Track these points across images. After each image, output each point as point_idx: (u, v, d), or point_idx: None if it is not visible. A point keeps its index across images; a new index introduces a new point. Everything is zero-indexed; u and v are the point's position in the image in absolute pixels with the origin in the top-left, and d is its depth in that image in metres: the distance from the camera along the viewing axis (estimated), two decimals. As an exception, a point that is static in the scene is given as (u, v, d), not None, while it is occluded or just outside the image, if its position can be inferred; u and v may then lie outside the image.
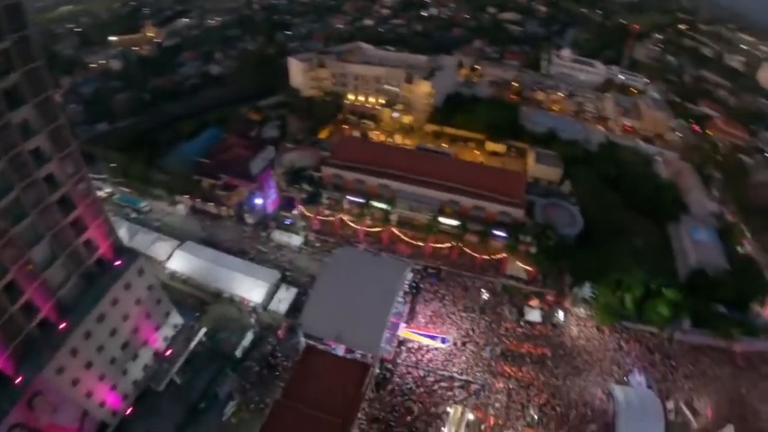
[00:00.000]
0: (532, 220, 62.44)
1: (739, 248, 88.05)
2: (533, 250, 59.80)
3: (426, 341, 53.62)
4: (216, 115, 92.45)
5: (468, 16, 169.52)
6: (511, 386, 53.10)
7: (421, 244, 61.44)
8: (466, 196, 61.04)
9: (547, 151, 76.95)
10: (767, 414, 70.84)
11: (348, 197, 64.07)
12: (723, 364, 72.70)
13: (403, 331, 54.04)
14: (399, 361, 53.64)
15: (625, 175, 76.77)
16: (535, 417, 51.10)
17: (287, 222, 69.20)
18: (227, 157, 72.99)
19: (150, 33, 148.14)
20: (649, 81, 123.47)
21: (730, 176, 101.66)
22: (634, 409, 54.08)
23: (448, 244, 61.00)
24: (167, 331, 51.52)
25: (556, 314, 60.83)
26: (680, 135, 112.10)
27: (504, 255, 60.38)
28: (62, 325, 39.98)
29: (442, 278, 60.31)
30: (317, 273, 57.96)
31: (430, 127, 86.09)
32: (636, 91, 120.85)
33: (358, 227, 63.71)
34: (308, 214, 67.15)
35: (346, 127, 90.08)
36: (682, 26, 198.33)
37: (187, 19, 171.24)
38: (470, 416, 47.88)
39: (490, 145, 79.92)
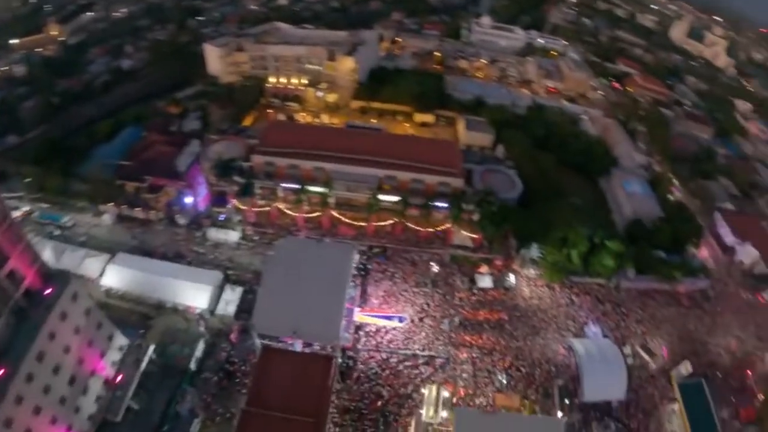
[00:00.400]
0: (471, 188, 64.35)
1: (669, 196, 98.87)
2: (476, 217, 62.78)
3: (383, 323, 54.36)
4: (133, 112, 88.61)
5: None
6: (474, 355, 55.23)
7: (363, 224, 62.39)
8: (404, 171, 61.82)
9: (477, 117, 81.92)
10: (715, 345, 78.80)
11: (282, 185, 63.69)
12: (669, 306, 79.96)
13: (359, 316, 54.14)
14: (359, 347, 54.04)
15: (554, 135, 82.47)
16: (504, 381, 53.95)
17: (221, 218, 67.66)
18: (150, 156, 70.14)
19: (53, 31, 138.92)
20: (567, 43, 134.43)
21: (653, 129, 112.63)
22: (595, 359, 58.25)
23: (391, 221, 62.07)
24: (114, 356, 49.34)
25: (506, 278, 63.92)
26: (602, 93, 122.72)
27: (448, 225, 62.83)
28: (0, 373, 36.89)
29: (389, 256, 61.48)
30: (262, 268, 57.50)
31: (357, 104, 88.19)
32: (556, 54, 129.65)
33: (297, 215, 63.78)
34: (242, 207, 66.02)
35: (271, 111, 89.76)
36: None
37: (92, 13, 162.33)
38: (445, 393, 48.86)
39: (419, 117, 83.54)
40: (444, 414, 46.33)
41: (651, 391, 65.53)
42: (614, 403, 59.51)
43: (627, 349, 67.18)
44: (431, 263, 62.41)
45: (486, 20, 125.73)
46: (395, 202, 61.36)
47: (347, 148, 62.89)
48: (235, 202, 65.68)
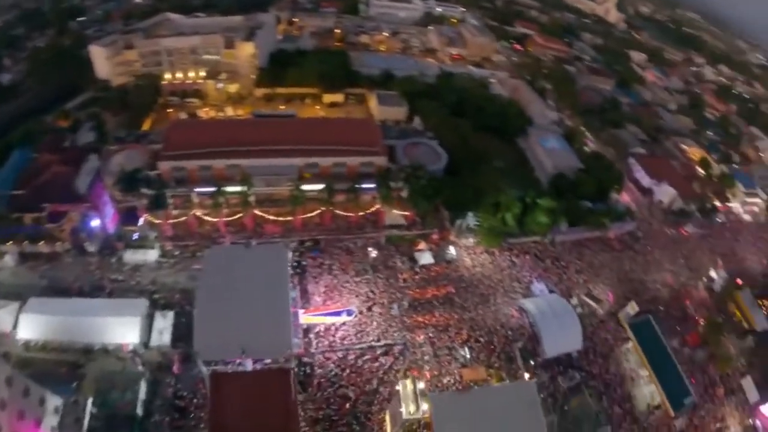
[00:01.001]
0: (396, 164, 65.62)
1: (585, 148, 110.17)
2: (405, 194, 65.46)
3: (331, 320, 53.65)
4: (19, 133, 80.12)
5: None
6: (431, 335, 56.33)
7: (289, 218, 62.04)
8: (324, 156, 61.51)
9: (388, 91, 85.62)
10: (652, 282, 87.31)
11: (196, 190, 60.90)
12: (604, 252, 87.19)
13: (305, 318, 52.84)
14: (312, 350, 53.11)
15: (468, 101, 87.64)
16: (467, 355, 55.90)
17: (135, 237, 64.01)
18: (44, 180, 64.13)
19: None
20: (465, 9, 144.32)
21: (559, 85, 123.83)
22: (547, 315, 61.99)
23: (318, 211, 62.41)
24: (51, 421, 45.19)
25: (446, 251, 65.93)
26: (505, 56, 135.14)
27: (378, 206, 64.55)
28: None
29: (323, 249, 60.79)
30: (191, 286, 55.80)
31: (261, 91, 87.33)
32: (456, 21, 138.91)
33: (217, 220, 61.70)
34: (156, 221, 62.76)
35: (171, 110, 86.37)
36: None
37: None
38: (420, 384, 49.26)
39: (328, 97, 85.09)
40: (425, 406, 46.95)
41: (604, 336, 71.65)
42: (574, 354, 63.78)
43: (574, 300, 72.84)
44: (368, 248, 62.92)
45: None
46: (320, 191, 61.29)
47: (260, 140, 61.61)
48: (147, 217, 62.59)
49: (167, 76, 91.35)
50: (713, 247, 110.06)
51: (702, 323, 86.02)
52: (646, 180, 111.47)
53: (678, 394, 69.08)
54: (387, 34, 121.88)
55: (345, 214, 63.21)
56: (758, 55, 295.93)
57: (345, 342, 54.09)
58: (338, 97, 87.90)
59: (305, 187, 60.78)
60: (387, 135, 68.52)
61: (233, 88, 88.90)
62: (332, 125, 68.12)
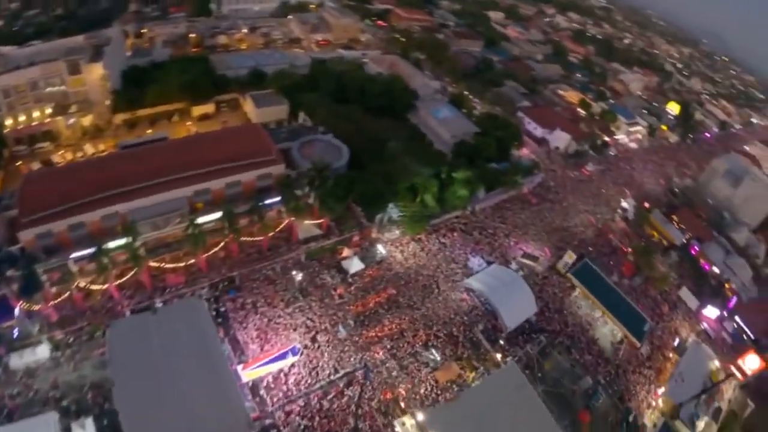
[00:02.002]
0: (295, 169, 61.19)
1: (475, 111, 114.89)
2: (312, 201, 61.33)
3: (277, 366, 47.88)
4: None
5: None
6: (388, 346, 53.43)
7: (191, 262, 54.38)
8: (213, 178, 55.49)
9: (262, 91, 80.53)
10: (575, 226, 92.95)
11: (72, 256, 51.00)
12: (523, 209, 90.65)
13: (247, 374, 47.01)
14: (269, 409, 47.10)
15: (347, 86, 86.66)
16: (434, 356, 53.86)
17: (16, 335, 51.69)
18: None
19: None
20: None
21: (433, 54, 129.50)
22: (496, 288, 62.65)
23: (222, 244, 55.91)
24: None
25: (374, 251, 63.40)
26: (372, 34, 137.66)
27: (287, 221, 59.73)
28: None
29: (239, 286, 53.24)
30: (103, 377, 46.92)
31: (121, 117, 77.05)
32: (315, 7, 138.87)
33: (107, 286, 52.35)
34: (35, 307, 51.50)
35: (20, 163, 72.42)
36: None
37: None
38: (420, 416, 47.09)
39: (197, 110, 77.07)
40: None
41: (551, 291, 74.12)
42: (532, 318, 65.22)
43: (513, 265, 74.78)
44: (290, 272, 56.29)
45: None
46: (218, 220, 54.36)
47: (134, 176, 52.28)
48: (22, 305, 50.38)
49: (8, 122, 76.66)
50: (615, 180, 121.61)
51: (629, 252, 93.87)
52: (538, 131, 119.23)
53: (635, 324, 74.24)
54: (246, 31, 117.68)
55: (253, 239, 56.92)
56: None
57: (301, 386, 48.19)
58: (208, 108, 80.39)
59: (200, 220, 53.16)
60: (276, 138, 63.38)
61: (87, 120, 77.33)
62: (213, 140, 60.53)
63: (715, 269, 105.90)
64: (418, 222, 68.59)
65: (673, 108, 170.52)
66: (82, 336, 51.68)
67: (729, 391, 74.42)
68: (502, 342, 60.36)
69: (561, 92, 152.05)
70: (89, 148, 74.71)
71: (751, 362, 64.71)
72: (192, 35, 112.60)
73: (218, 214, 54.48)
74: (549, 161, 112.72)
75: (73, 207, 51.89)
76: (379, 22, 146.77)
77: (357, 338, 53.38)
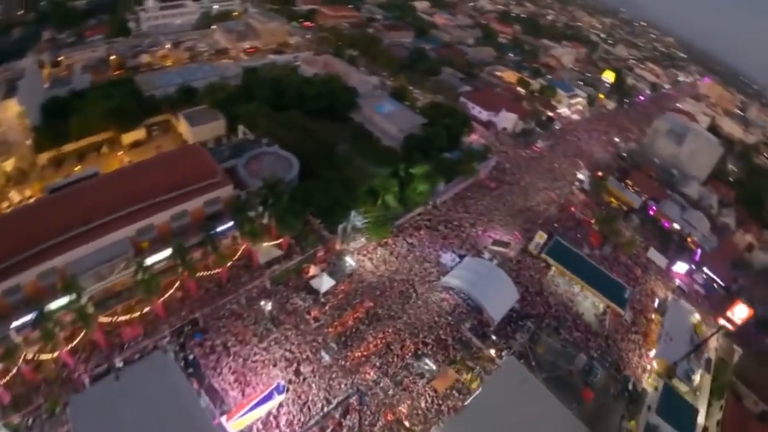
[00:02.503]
0: (245, 188, 57.63)
1: (418, 103, 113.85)
2: (267, 220, 57.42)
3: (264, 409, 43.86)
4: None
5: (23, 11, 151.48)
6: (378, 364, 51.29)
7: (146, 310, 48.76)
8: (156, 211, 49.79)
9: (195, 108, 75.60)
10: (537, 205, 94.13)
11: (12, 325, 44.57)
12: (484, 195, 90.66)
13: (233, 425, 42.74)
14: None
15: (284, 92, 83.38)
16: (432, 367, 51.96)
17: None
18: None
19: None
20: (242, 1, 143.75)
21: (366, 49, 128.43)
22: (475, 282, 61.70)
23: (177, 283, 50.71)
24: None
25: (342, 264, 60.83)
26: (300, 36, 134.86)
27: (244, 246, 55.57)
28: None
29: (205, 328, 49.06)
30: None
31: (45, 156, 69.50)
32: (238, 14, 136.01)
33: (58, 353, 45.91)
34: None
35: None
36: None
37: None
38: None
39: (128, 137, 71.09)
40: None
41: (528, 274, 74.13)
42: (516, 306, 64.68)
43: (486, 255, 74.83)
44: (257, 302, 52.63)
45: (151, 3, 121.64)
46: (169, 257, 49.42)
47: (69, 222, 46.44)
48: None
49: None
50: (565, 153, 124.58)
51: (593, 222, 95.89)
52: (483, 114, 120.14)
53: (616, 293, 75.50)
54: (169, 46, 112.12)
55: (210, 272, 52.32)
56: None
57: (295, 426, 44.53)
58: (139, 134, 74.43)
59: (148, 261, 48.06)
60: (218, 158, 59.08)
61: (9, 164, 69.33)
62: (150, 170, 54.77)
63: (676, 225, 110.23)
64: (382, 226, 66.44)
65: (609, 76, 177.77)
66: (41, 415, 45.79)
67: (714, 341, 77.17)
68: (494, 337, 59.49)
69: (498, 73, 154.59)
70: (15, 196, 67.24)
71: (740, 312, 66.97)
72: (112, 57, 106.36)
73: (168, 252, 49.69)
74: (499, 143, 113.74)
75: (4, 269, 45.81)
76: (306, 23, 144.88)
77: (343, 361, 50.35)
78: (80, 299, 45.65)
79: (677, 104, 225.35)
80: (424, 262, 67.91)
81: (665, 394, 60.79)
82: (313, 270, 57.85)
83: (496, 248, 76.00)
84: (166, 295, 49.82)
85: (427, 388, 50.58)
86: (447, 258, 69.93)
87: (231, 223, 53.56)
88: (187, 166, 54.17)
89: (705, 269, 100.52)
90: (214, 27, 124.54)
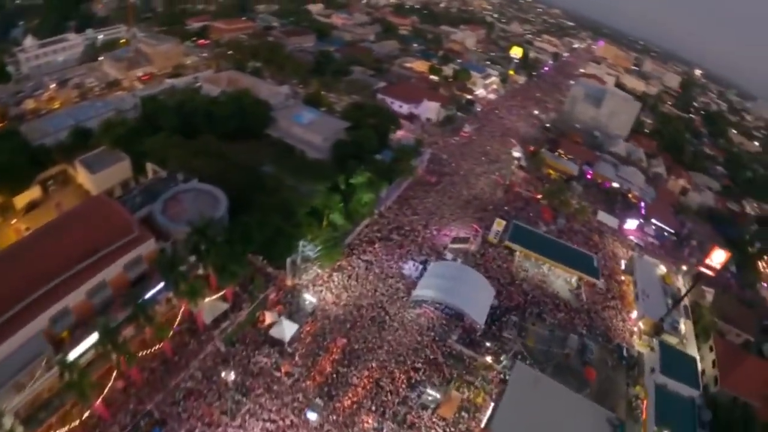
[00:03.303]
0: (169, 239, 47.95)
1: (335, 107, 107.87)
2: (203, 271, 48.95)
3: None
4: None
5: None
6: (373, 408, 45.43)
7: (86, 414, 38.37)
8: (67, 292, 39.31)
9: (93, 151, 64.66)
10: (482, 191, 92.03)
11: None
12: (428, 192, 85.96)
13: None
14: None
15: (191, 116, 74.28)
16: (433, 394, 47.46)
17: None
18: None
19: None
20: (127, 27, 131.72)
21: (270, 59, 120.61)
22: (448, 288, 57.78)
23: (115, 373, 40.15)
24: None
25: (300, 302, 54.27)
26: (197, 55, 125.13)
27: (183, 308, 46.19)
28: None
29: (162, 419, 39.45)
30: None
31: None
32: (126, 41, 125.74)
33: None
34: None
35: None
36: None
37: None
38: None
39: (20, 199, 58.67)
40: None
41: (495, 265, 70.87)
42: (494, 303, 61.16)
43: (448, 255, 70.47)
44: (216, 373, 44.14)
45: (30, 42, 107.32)
46: (96, 344, 39.02)
47: None
48: None
49: None
50: (493, 134, 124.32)
51: (541, 197, 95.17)
52: (404, 108, 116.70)
53: (585, 263, 74.88)
54: (55, 86, 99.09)
55: (151, 350, 42.74)
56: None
57: None
58: (34, 193, 61.46)
59: (72, 355, 37.89)
60: (130, 206, 49.31)
61: None
62: (52, 237, 43.37)
63: (614, 184, 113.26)
64: (333, 249, 59.86)
65: (517, 52, 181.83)
66: None
67: (684, 285, 79.57)
68: (488, 344, 55.79)
69: (408, 65, 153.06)
70: None
71: (718, 257, 67.61)
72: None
73: (93, 337, 39.84)
74: (427, 135, 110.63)
75: None
76: (201, 41, 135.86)
77: (334, 416, 43.47)
78: (2, 421, 35.39)
79: (581, 69, 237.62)
80: (386, 278, 62.29)
81: (663, 352, 60.82)
82: (269, 317, 50.13)
83: (456, 246, 72.01)
84: (105, 391, 39.99)
85: (434, 419, 45.55)
86: (409, 268, 65.07)
87: (162, 284, 44.49)
88: (95, 225, 44.30)
89: (653, 220, 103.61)
90: (101, 58, 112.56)
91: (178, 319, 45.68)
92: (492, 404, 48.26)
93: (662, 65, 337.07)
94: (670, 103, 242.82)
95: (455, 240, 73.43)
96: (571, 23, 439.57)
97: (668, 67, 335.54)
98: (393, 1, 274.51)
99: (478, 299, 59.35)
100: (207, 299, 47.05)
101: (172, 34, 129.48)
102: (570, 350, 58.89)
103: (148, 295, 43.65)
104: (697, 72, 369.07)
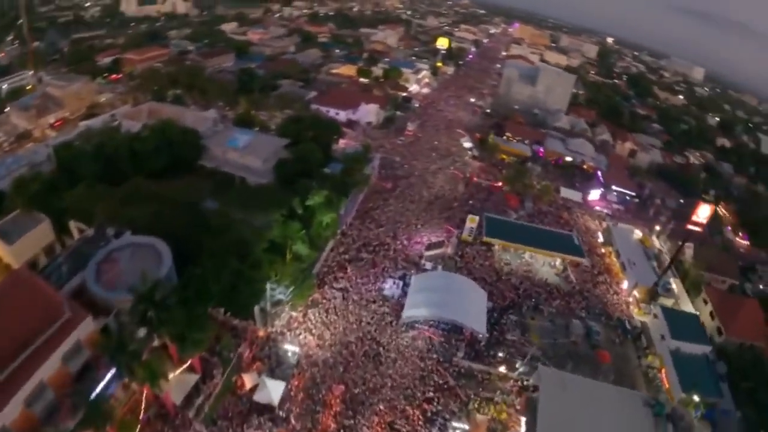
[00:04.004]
0: (110, 312, 38.89)
1: (269, 124, 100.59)
2: (159, 343, 40.53)
3: None
4: None
5: None
6: None
7: None
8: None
9: (6, 217, 53.87)
10: (443, 188, 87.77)
11: None
12: (387, 200, 79.05)
13: None
14: None
15: (113, 158, 64.60)
16: (463, 426, 42.56)
17: None
18: None
19: None
20: (33, 71, 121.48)
21: (191, 84, 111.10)
22: (436, 302, 53.12)
23: None
24: None
25: (282, 355, 46.60)
26: (111, 91, 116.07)
27: (146, 394, 37.63)
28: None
29: None
30: None
31: None
32: (32, 86, 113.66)
33: None
34: None
35: None
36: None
37: None
38: None
39: None
40: None
41: (477, 264, 66.80)
42: (488, 305, 56.94)
43: (427, 264, 64.08)
44: None
45: None
46: None
47: None
48: None
49: None
50: (436, 127, 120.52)
51: (502, 185, 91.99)
52: (341, 114, 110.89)
53: (565, 244, 72.40)
54: None
55: None
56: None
57: None
58: None
59: None
60: (55, 279, 40.01)
61: None
62: None
63: (567, 158, 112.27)
64: (302, 284, 53.01)
65: (443, 43, 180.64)
66: None
67: (662, 244, 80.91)
68: (500, 354, 51.38)
69: (335, 71, 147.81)
70: None
71: (704, 212, 66.33)
72: None
73: None
74: (371, 139, 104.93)
75: None
76: (113, 75, 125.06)
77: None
78: None
79: (504, 52, 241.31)
80: (368, 304, 55.75)
81: (668, 316, 59.11)
82: (248, 380, 42.37)
83: (432, 253, 66.80)
84: None
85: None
86: (390, 287, 58.74)
87: (113, 371, 35.91)
88: (17, 312, 34.92)
89: (613, 187, 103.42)
90: (7, 109, 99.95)
91: (142, 407, 37.25)
92: (522, 418, 43.74)
93: (577, 38, 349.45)
94: (593, 72, 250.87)
95: (430, 246, 68.24)
96: (482, 11, 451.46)
97: (583, 39, 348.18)
98: (306, 11, 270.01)
99: (472, 306, 54.46)
100: (171, 375, 38.76)
101: (82, 73, 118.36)
102: (576, 337, 56.35)
103: (98, 389, 35.01)
104: (609, 40, 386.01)
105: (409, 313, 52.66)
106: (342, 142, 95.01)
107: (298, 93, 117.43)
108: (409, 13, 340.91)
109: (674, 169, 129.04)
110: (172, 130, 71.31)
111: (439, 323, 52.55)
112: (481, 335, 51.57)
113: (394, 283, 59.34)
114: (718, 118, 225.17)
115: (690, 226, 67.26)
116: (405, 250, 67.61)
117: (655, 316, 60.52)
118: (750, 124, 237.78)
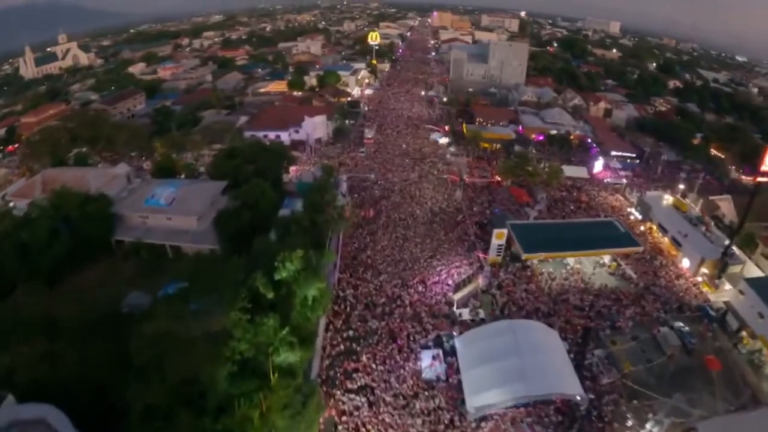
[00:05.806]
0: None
1: (198, 165, 79.24)
2: None
3: None
4: None
5: None
6: None
7: None
8: None
9: None
10: (435, 199, 69.20)
11: None
12: (374, 234, 58.46)
13: None
14: None
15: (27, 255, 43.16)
16: None
17: None
18: None
19: None
20: None
21: (95, 138, 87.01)
22: (508, 369, 35.57)
23: None
24: None
25: None
26: (6, 165, 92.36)
27: None
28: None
29: None
30: None
31: None
32: None
33: None
34: None
35: None
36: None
37: None
38: None
39: None
40: None
41: (521, 292, 47.73)
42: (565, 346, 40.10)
43: (464, 314, 44.51)
44: None
45: None
46: None
47: None
48: None
49: None
50: (397, 129, 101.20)
51: (504, 179, 74.31)
52: (282, 136, 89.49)
53: (612, 234, 56.66)
54: None
55: None
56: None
57: None
58: None
59: None
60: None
61: None
62: None
63: (552, 132, 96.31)
64: (305, 408, 31.54)
65: (374, 37, 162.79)
66: None
67: (697, 206, 67.58)
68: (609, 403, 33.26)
69: (264, 90, 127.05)
70: None
71: None
72: None
73: None
74: (327, 158, 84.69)
75: None
76: (9, 147, 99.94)
77: None
78: None
79: (432, 41, 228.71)
80: (409, 402, 35.96)
81: (757, 288, 45.86)
82: None
83: (463, 294, 47.19)
84: None
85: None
86: (429, 366, 39.05)
87: None
88: None
89: (612, 153, 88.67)
90: None
91: None
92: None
93: (496, 16, 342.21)
94: (526, 42, 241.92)
95: (458, 286, 48.22)
96: (393, 9, 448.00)
97: (502, 16, 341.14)
98: (217, 40, 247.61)
99: (553, 362, 36.84)
100: None
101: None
102: (672, 348, 42.40)
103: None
104: (522, 14, 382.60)
105: (478, 402, 33.98)
106: (293, 170, 74.05)
107: (225, 122, 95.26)
108: (323, 23, 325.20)
109: (652, 119, 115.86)
110: (75, 202, 48.56)
111: (520, 399, 34.06)
112: (579, 398, 33.94)
113: (433, 357, 39.61)
114: (655, 63, 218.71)
115: (760, 178, 51.87)
116: (425, 301, 47.57)
117: (741, 292, 47.56)
118: (682, 64, 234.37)
